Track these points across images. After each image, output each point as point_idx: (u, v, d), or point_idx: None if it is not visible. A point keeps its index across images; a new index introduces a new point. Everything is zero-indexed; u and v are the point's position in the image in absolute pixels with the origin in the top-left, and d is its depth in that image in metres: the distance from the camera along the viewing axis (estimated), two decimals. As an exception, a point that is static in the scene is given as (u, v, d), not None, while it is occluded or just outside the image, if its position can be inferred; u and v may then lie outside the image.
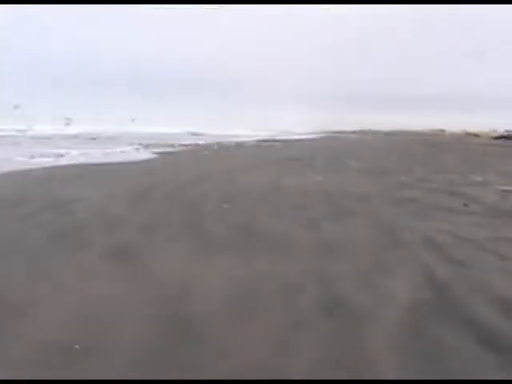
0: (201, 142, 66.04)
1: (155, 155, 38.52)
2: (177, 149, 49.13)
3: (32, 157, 33.08)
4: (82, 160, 32.25)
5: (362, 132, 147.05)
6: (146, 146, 51.99)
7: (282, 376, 5.20)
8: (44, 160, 31.21)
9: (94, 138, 70.92)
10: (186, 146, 56.11)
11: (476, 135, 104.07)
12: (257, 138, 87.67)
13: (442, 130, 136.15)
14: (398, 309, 6.97)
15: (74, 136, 74.33)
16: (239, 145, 60.62)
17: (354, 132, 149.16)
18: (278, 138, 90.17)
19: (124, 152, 42.58)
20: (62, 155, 35.87)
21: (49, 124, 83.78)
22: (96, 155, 36.99)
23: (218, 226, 11.90)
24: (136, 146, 51.50)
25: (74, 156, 35.75)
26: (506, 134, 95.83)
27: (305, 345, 5.84)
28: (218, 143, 62.96)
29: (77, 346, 5.67)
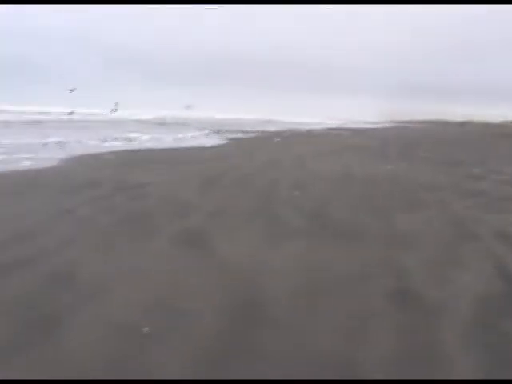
0: (272, 129, 66.01)
1: (226, 141, 38.68)
2: (247, 135, 49.24)
3: (104, 140, 33.67)
4: (152, 145, 32.65)
5: (431, 122, 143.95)
6: (217, 132, 52.27)
7: (355, 367, 5.11)
8: (115, 144, 31.74)
9: (162, 124, 71.70)
10: (257, 132, 56.17)
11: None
12: (327, 126, 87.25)
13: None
14: (471, 301, 6.82)
15: (144, 121, 75.34)
16: (310, 132, 60.42)
17: (423, 122, 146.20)
18: (347, 126, 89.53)
19: (194, 137, 42.90)
20: (132, 139, 36.40)
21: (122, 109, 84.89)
22: (166, 140, 37.41)
23: (288, 213, 11.86)
24: (206, 132, 51.83)
25: (145, 140, 36.22)
26: None
27: (378, 336, 5.75)
28: (288, 130, 62.82)
29: (146, 329, 5.70)
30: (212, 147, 31.93)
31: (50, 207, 11.75)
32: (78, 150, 26.36)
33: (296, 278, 7.52)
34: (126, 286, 7.01)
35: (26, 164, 20.05)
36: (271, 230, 10.30)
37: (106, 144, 31.35)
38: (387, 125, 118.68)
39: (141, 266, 7.87)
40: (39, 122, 62.13)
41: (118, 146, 30.67)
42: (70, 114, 65.18)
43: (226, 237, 9.73)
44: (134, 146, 31.49)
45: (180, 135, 44.18)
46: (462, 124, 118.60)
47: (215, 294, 6.83)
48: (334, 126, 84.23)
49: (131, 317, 6.02)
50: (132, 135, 39.58)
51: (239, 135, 47.89)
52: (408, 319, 6.23)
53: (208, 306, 6.41)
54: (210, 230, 10.21)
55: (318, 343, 5.55)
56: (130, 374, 4.85)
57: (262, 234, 9.98)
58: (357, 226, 10.74)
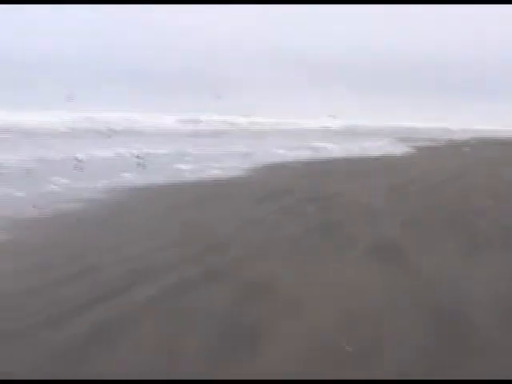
0: (455, 137, 63.86)
1: (412, 149, 37.88)
2: (432, 143, 47.97)
3: (290, 149, 34.05)
4: (339, 154, 32.62)
5: None
6: (402, 140, 51.37)
7: None
8: (302, 153, 31.97)
9: (346, 132, 71.62)
10: (442, 140, 54.59)
11: None
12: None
13: None
14: None
15: (329, 130, 75.66)
16: (497, 140, 57.69)
17: None
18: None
19: (380, 146, 42.39)
20: (319, 149, 36.54)
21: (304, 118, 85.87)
22: (353, 149, 37.23)
23: (483, 224, 11.25)
24: (391, 140, 51.12)
25: (332, 150, 36.24)
26: None
27: None
28: (472, 138, 60.40)
29: (348, 348, 5.47)
30: (399, 156, 31.35)
31: (240, 217, 11.87)
32: (265, 159, 26.82)
33: (503, 294, 7.02)
34: (321, 300, 6.78)
35: (215, 173, 20.67)
36: (468, 242, 9.76)
37: (293, 153, 31.65)
38: None
39: (335, 278, 7.66)
40: (223, 132, 64.38)
41: (305, 155, 30.86)
42: (248, 121, 66.78)
43: (421, 248, 9.34)
44: (322, 155, 31.57)
45: (366, 144, 43.81)
46: None
47: (411, 309, 6.50)
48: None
49: (330, 333, 5.82)
50: (318, 144, 39.73)
51: (425, 143, 46.72)
52: None
53: (409, 322, 6.09)
54: (405, 240, 9.83)
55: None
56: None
57: (458, 246, 9.47)
58: None
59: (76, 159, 22.58)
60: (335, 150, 36.27)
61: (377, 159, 28.76)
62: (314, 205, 13.25)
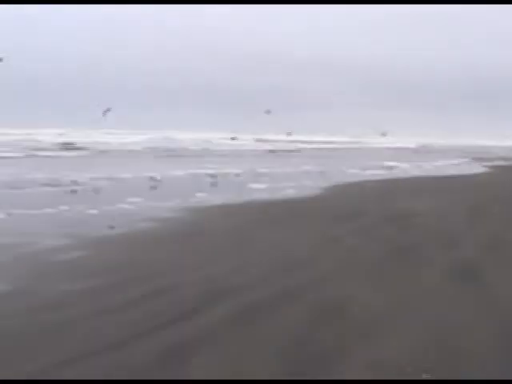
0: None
1: (488, 169, 37.05)
2: (508, 163, 46.79)
3: (363, 168, 33.82)
4: (414, 173, 32.19)
5: None
6: (477, 159, 50.38)
7: None
8: (376, 172, 31.70)
9: (418, 151, 70.70)
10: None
11: None
12: None
13: None
14: None
15: (402, 148, 74.82)
16: None
17: None
18: None
19: (454, 165, 41.67)
20: (392, 168, 36.17)
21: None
22: (427, 168, 36.69)
23: None
24: (466, 159, 50.20)
25: (405, 169, 35.81)
26: None
27: None
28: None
29: (425, 375, 5.28)
30: (475, 175, 30.68)
31: (316, 237, 11.77)
32: (339, 178, 26.72)
33: None
34: (397, 322, 6.61)
35: (290, 192, 20.65)
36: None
37: (366, 172, 31.41)
38: None
39: (412, 301, 7.44)
40: (294, 151, 64.54)
41: (379, 174, 30.60)
42: (317, 140, 66.57)
43: (501, 271, 9.03)
44: (395, 173, 31.22)
45: (439, 163, 43.15)
46: None
47: (490, 335, 6.25)
48: None
49: (406, 358, 5.63)
50: (391, 163, 39.33)
51: (501, 163, 45.66)
52: None
53: (487, 348, 5.88)
54: (484, 263, 9.54)
55: None
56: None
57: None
58: None
59: (151, 178, 22.94)
60: (409, 168, 35.81)
61: (452, 178, 28.20)
62: (390, 225, 13.03)
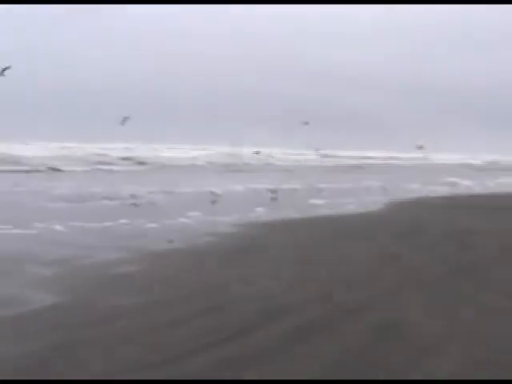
0: None
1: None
2: None
3: (425, 184, 33.39)
4: (475, 190, 31.64)
5: None
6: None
7: None
8: (437, 188, 31.25)
9: (481, 169, 69.36)
10: None
11: None
12: None
13: None
14: None
15: (465, 165, 73.62)
16: None
17: None
18: None
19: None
20: (454, 184, 35.60)
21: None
22: (489, 185, 35.98)
23: None
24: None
25: (468, 186, 35.20)
26: None
27: None
28: None
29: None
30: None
31: (376, 254, 11.59)
32: (401, 194, 26.46)
33: None
34: (457, 349, 6.30)
35: (350, 208, 20.53)
36: None
37: (428, 188, 30.99)
38: None
39: (472, 326, 7.11)
40: (355, 166, 64.16)
41: (441, 190, 30.15)
42: (378, 156, 65.82)
43: None
44: (458, 190, 30.71)
45: (501, 180, 42.22)
46: None
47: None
48: None
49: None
50: (453, 179, 38.67)
51: None
52: None
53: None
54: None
55: None
56: None
57: None
58: None
59: (211, 193, 23.11)
60: (471, 186, 35.17)
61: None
62: (452, 243, 12.75)
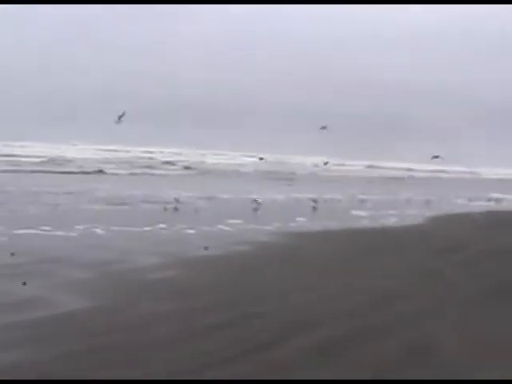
0: None
1: None
2: None
3: (469, 199, 33.00)
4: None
5: None
6: None
7: None
8: (481, 203, 30.83)
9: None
10: None
11: None
12: None
13: None
14: None
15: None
16: None
17: None
18: None
19: None
20: (500, 200, 35.02)
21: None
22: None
23: None
24: None
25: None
26: None
27: None
28: None
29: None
30: None
31: (413, 269, 11.43)
32: (444, 208, 26.21)
33: None
34: (488, 373, 6.18)
35: (392, 221, 20.43)
36: None
37: (472, 203, 30.62)
38: None
39: (506, 351, 6.92)
40: (401, 178, 63.66)
41: (485, 205, 29.70)
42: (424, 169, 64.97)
43: None
44: (503, 206, 30.23)
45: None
46: None
47: None
48: None
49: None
50: (498, 195, 38.06)
51: None
52: None
53: None
54: None
55: None
56: None
57: None
58: None
59: (254, 201, 23.23)
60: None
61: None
62: (492, 261, 12.43)
